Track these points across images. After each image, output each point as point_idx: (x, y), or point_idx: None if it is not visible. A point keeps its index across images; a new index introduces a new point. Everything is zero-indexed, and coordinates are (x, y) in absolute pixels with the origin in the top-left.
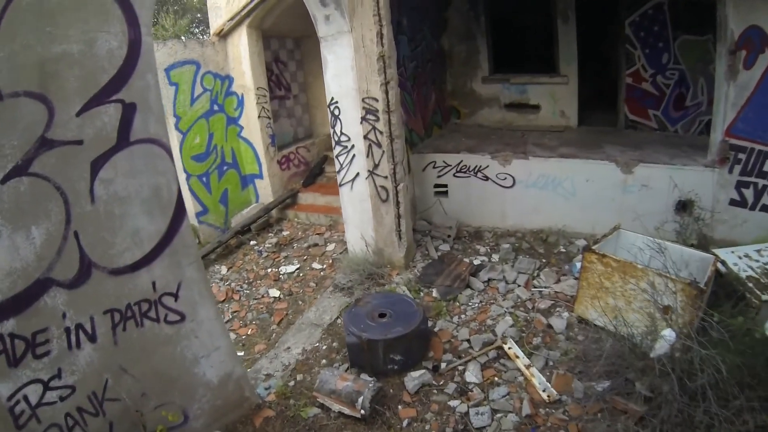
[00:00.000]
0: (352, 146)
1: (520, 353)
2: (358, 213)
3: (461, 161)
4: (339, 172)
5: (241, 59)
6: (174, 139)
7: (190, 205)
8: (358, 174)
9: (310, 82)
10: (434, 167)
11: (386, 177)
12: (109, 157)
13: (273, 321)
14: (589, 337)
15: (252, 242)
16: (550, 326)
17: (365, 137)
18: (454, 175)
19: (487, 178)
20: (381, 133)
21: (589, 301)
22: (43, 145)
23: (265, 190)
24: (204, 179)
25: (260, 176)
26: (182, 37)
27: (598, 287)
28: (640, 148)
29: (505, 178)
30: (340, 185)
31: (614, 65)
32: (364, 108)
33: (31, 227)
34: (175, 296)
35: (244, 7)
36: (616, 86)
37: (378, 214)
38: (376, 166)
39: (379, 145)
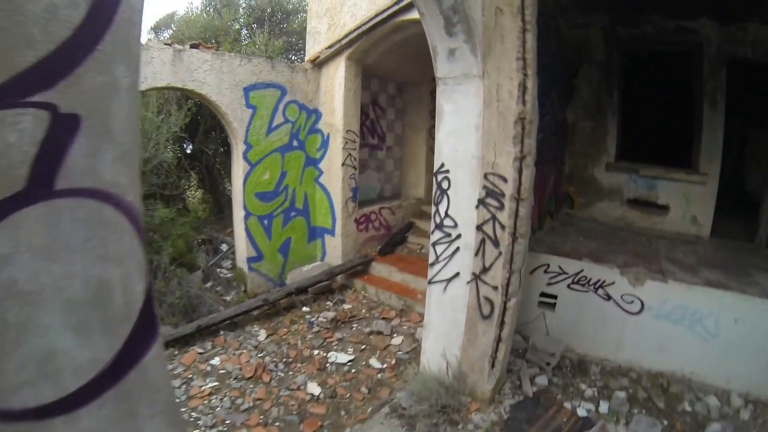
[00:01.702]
0: (458, 236)
1: None
2: (446, 323)
3: (581, 271)
4: (432, 265)
5: (334, 94)
6: (239, 169)
7: (243, 248)
8: (457, 274)
9: (408, 136)
10: (546, 272)
11: (496, 288)
12: (7, 213)
13: (302, 430)
14: None
15: (305, 308)
16: None
17: (479, 228)
18: (568, 286)
19: (609, 298)
20: (502, 227)
21: None
22: None
23: (335, 250)
24: (265, 222)
25: (332, 232)
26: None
27: None
28: None
29: (632, 302)
30: (430, 282)
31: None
32: (485, 187)
33: None
34: None
35: (347, 35)
36: (762, 190)
37: (472, 330)
38: (485, 269)
39: (497, 243)
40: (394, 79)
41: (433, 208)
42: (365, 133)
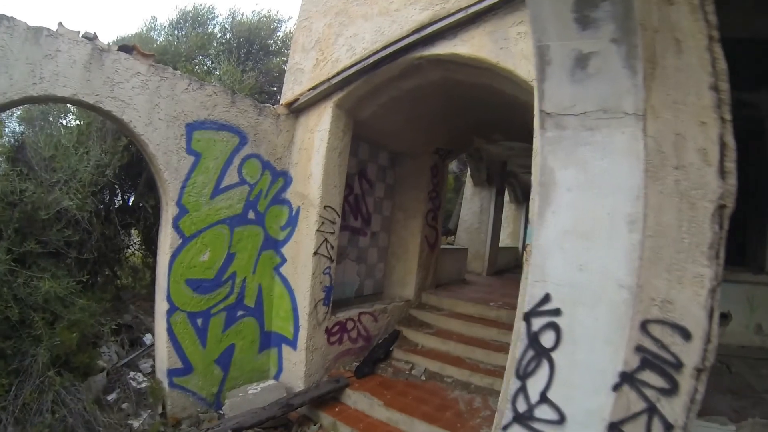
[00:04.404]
0: None
1: None
2: None
3: None
4: None
5: (313, 152)
6: (167, 242)
7: (164, 355)
8: None
9: (399, 220)
10: None
11: None
12: None
13: None
14: None
15: None
16: None
17: (615, 428)
18: None
19: None
20: (668, 428)
21: None
22: None
23: (295, 367)
24: (199, 321)
25: (293, 343)
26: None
27: None
28: None
29: None
30: None
31: None
32: (640, 349)
33: None
34: None
35: (340, 72)
36: None
37: None
38: None
39: None
40: (389, 146)
41: (516, 383)
42: (346, 211)
